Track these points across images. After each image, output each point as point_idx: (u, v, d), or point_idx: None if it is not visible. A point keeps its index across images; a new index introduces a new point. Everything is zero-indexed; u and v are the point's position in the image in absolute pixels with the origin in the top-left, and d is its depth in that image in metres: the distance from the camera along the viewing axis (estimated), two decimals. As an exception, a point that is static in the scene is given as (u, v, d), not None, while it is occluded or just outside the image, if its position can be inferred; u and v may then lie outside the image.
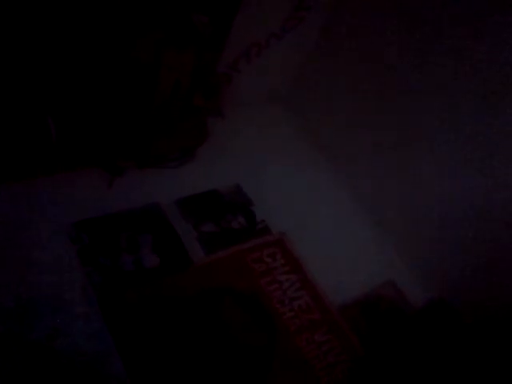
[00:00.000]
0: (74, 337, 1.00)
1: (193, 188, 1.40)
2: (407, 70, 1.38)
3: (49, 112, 1.18)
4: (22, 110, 1.15)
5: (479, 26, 1.18)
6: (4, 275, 1.04)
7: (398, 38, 1.38)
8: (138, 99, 1.30)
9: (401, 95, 1.42)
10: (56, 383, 0.95)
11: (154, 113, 1.34)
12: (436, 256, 1.42)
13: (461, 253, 1.35)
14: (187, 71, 1.30)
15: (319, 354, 1.19)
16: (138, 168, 1.37)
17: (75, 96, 1.21)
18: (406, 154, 1.44)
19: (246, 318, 1.18)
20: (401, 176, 1.48)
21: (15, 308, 1.00)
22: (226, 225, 1.36)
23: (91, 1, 1.06)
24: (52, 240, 1.14)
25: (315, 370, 1.16)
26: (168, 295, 1.14)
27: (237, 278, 1.24)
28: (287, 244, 1.37)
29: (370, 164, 1.57)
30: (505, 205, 1.23)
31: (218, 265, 1.26)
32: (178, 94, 1.33)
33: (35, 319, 1.00)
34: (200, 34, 1.27)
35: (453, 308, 1.37)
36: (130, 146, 1.35)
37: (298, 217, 1.48)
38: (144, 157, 1.38)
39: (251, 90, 1.67)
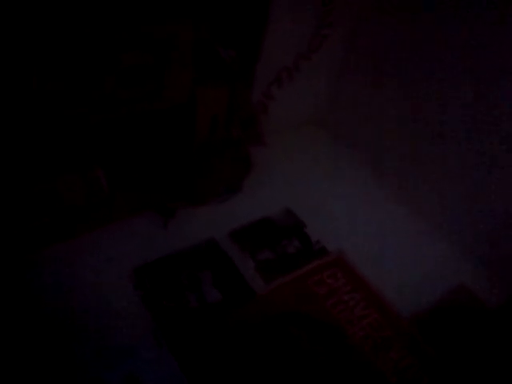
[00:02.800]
0: (149, 382, 1.00)
1: (244, 218, 1.40)
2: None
3: (98, 164, 1.23)
4: (72, 165, 1.20)
5: None
6: (81, 327, 1.07)
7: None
8: (178, 140, 1.33)
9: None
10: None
11: (195, 151, 1.37)
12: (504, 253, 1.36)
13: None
14: (223, 106, 1.33)
15: (398, 372, 1.14)
16: (188, 207, 1.39)
17: (121, 146, 1.26)
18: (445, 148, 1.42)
19: (316, 341, 1.15)
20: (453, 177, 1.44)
21: (94, 357, 1.02)
22: (282, 250, 1.35)
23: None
24: (117, 289, 1.17)
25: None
26: (235, 329, 1.14)
27: (302, 303, 1.22)
28: (346, 262, 1.34)
29: (415, 168, 1.55)
30: None
31: (280, 292, 1.24)
32: (216, 129, 1.36)
33: (112, 367, 1.01)
34: (230, 67, 1.30)
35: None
36: (176, 186, 1.38)
37: (353, 233, 1.45)
38: (191, 195, 1.40)
39: (288, 115, 1.68)
